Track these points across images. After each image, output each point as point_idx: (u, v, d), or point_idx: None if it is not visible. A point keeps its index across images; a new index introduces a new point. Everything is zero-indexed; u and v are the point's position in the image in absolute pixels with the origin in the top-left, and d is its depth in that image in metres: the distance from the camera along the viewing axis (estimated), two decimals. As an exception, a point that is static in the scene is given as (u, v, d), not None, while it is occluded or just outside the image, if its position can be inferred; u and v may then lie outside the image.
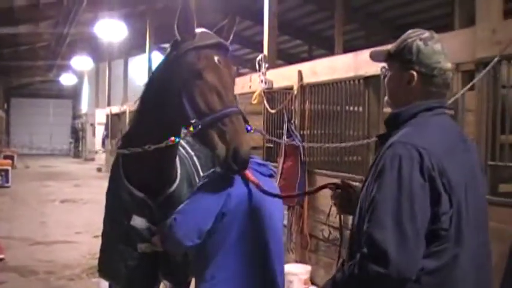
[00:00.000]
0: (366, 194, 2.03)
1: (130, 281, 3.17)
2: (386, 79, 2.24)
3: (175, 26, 2.72)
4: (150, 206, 3.02)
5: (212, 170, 2.97)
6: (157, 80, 2.94)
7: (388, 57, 2.22)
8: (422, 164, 1.86)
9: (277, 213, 2.95)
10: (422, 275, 1.88)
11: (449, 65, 2.11)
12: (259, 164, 2.95)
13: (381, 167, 1.93)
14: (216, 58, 2.66)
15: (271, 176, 3.00)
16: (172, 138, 2.81)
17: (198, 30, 2.77)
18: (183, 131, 2.81)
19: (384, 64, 2.29)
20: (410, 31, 2.18)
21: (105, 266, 3.38)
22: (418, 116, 2.06)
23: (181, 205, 2.79)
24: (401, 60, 2.13)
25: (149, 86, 3.03)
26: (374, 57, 2.33)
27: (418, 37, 2.11)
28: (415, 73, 2.08)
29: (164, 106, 2.80)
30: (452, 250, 1.90)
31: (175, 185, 3.13)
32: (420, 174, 1.85)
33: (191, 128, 2.58)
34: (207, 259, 2.74)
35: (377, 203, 1.89)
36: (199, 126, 2.55)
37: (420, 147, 1.89)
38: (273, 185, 3.01)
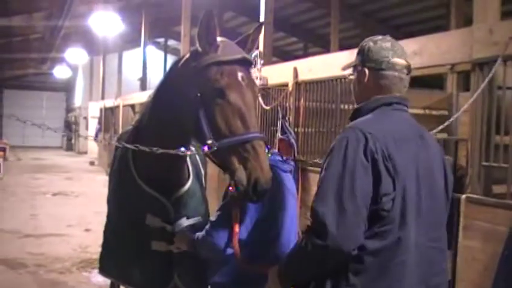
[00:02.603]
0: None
1: (142, 279, 3.11)
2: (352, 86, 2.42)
3: (197, 36, 2.54)
4: (164, 205, 2.97)
5: None
6: (172, 88, 2.76)
7: (353, 65, 2.40)
8: (366, 146, 1.99)
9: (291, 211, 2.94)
10: (365, 255, 1.98)
11: (401, 61, 2.24)
12: (282, 162, 2.96)
13: (331, 148, 2.10)
14: (240, 75, 2.49)
15: (290, 171, 3.02)
16: (183, 149, 2.75)
17: (219, 39, 2.59)
18: (194, 147, 2.75)
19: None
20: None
21: (110, 264, 3.31)
22: (377, 109, 2.22)
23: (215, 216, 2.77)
24: (358, 62, 2.33)
25: (162, 91, 2.88)
26: (345, 68, 2.54)
27: (370, 40, 2.33)
28: (366, 70, 2.26)
29: (177, 116, 2.68)
30: (396, 233, 1.99)
31: (189, 184, 3.07)
32: (364, 155, 1.98)
33: (206, 148, 2.45)
34: (222, 256, 2.77)
35: (323, 180, 2.05)
36: (215, 148, 2.42)
37: (366, 132, 2.02)
38: (292, 182, 3.01)
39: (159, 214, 2.97)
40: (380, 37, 2.31)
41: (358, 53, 2.34)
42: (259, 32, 2.82)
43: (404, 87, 2.28)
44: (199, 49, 2.54)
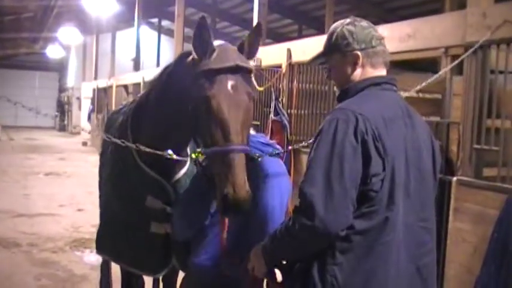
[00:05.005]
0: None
1: (140, 260, 3.13)
2: (332, 74, 2.33)
3: (192, 43, 2.46)
4: (165, 187, 2.96)
5: None
6: (171, 92, 2.72)
7: (325, 54, 2.32)
8: (356, 127, 1.97)
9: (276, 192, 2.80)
10: (353, 234, 1.98)
11: (381, 34, 2.24)
12: (264, 144, 2.86)
13: (320, 129, 2.07)
14: (230, 84, 2.39)
15: (277, 155, 2.87)
16: (170, 152, 2.70)
17: (216, 43, 2.50)
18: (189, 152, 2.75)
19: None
20: (332, 25, 2.32)
21: (110, 245, 3.32)
22: (365, 89, 2.18)
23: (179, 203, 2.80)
24: (339, 48, 2.23)
25: (163, 91, 2.82)
26: (312, 62, 2.46)
27: (343, 24, 2.25)
28: (358, 52, 2.19)
29: (175, 120, 2.69)
30: (382, 213, 1.99)
31: (187, 165, 3.06)
32: (354, 136, 1.96)
33: (194, 154, 2.45)
34: (205, 237, 2.77)
35: (311, 161, 2.02)
36: (199, 155, 2.42)
37: (357, 112, 2.00)
38: (279, 164, 2.91)
39: (159, 196, 2.97)
40: (349, 20, 2.26)
41: (335, 42, 2.24)
42: (259, 35, 2.65)
43: (388, 60, 2.27)
44: (195, 56, 2.47)
